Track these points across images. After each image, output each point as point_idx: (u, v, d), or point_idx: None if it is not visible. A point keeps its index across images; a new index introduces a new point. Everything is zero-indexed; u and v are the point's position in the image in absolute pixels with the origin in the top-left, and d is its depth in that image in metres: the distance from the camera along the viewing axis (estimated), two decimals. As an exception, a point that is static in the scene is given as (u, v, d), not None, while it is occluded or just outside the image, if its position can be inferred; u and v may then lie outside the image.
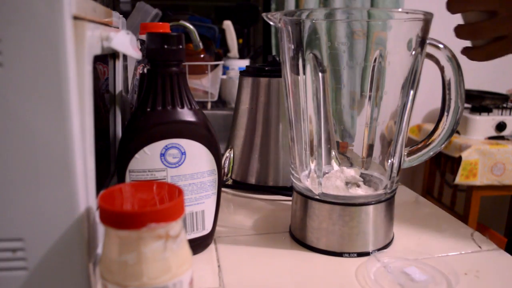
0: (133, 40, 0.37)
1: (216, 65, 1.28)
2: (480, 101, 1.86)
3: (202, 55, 1.31)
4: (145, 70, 0.56)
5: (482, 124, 1.81)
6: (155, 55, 0.40)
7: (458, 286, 0.40)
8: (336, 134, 0.50)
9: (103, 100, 0.46)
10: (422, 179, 2.16)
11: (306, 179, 0.49)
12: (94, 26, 0.32)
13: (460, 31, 0.48)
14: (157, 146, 0.40)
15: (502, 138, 1.78)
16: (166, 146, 0.40)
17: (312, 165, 0.47)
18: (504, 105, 1.83)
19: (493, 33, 0.47)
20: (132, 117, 0.41)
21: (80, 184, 0.29)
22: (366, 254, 0.46)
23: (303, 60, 0.45)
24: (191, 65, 1.20)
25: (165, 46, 0.40)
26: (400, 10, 0.42)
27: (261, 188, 0.65)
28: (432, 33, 0.45)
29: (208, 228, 0.45)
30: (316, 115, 0.45)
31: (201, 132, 0.41)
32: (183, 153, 0.41)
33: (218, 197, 0.45)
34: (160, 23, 0.73)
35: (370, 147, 0.49)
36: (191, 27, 1.12)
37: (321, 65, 0.45)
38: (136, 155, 0.40)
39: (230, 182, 0.67)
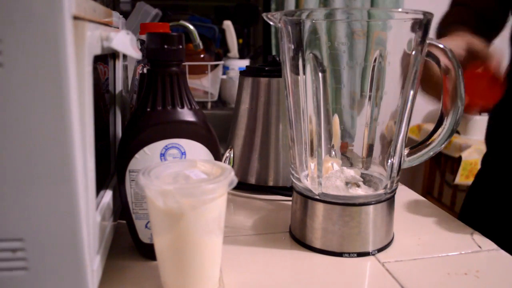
0: (133, 40, 0.37)
1: (216, 65, 1.28)
2: (480, 101, 1.86)
3: (202, 55, 1.31)
4: (145, 70, 0.56)
5: (482, 124, 1.80)
6: (155, 55, 0.40)
7: (458, 286, 0.40)
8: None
9: (103, 100, 0.46)
10: (422, 179, 2.16)
11: (306, 179, 0.49)
12: (94, 26, 0.32)
13: None
14: (157, 146, 0.40)
15: (502, 138, 1.77)
16: (166, 146, 0.40)
17: (312, 165, 0.47)
18: (504, 105, 1.83)
19: None
20: (132, 117, 0.41)
21: (80, 184, 0.29)
22: (366, 254, 0.46)
23: (303, 60, 0.45)
24: (191, 65, 1.20)
25: (165, 46, 0.40)
26: (400, 10, 0.42)
27: (261, 188, 0.65)
28: (432, 33, 0.45)
29: (208, 228, 0.45)
30: (316, 115, 0.45)
31: (201, 132, 0.41)
32: (183, 153, 0.41)
33: (218, 197, 0.45)
34: (160, 23, 0.72)
35: (370, 147, 0.49)
36: (191, 27, 1.12)
37: (321, 65, 0.45)
38: (136, 155, 0.40)
39: (230, 182, 0.67)
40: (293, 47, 0.45)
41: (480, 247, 0.48)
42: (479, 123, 1.80)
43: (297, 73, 0.46)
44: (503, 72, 0.53)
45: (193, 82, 1.24)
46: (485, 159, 0.73)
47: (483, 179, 0.71)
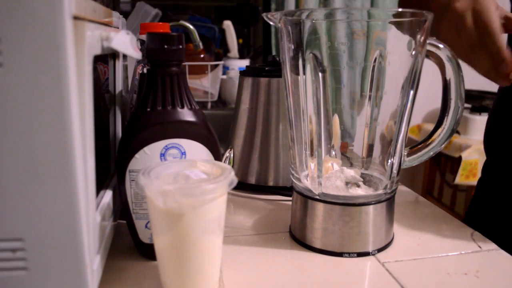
0: (133, 40, 0.37)
1: (216, 65, 1.28)
2: (480, 101, 1.86)
3: (202, 55, 1.31)
4: (145, 70, 0.56)
5: (482, 124, 1.80)
6: (155, 55, 0.40)
7: (458, 286, 0.40)
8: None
9: (103, 100, 0.46)
10: (422, 179, 2.16)
11: (306, 179, 0.49)
12: (94, 26, 0.32)
13: None
14: (157, 146, 0.40)
15: (502, 138, 1.77)
16: (166, 146, 0.40)
17: (312, 165, 0.47)
18: (504, 105, 1.83)
19: None
20: (132, 117, 0.41)
21: (80, 184, 0.29)
22: (366, 254, 0.46)
23: (303, 60, 0.45)
24: (191, 65, 1.20)
25: (165, 46, 0.40)
26: (400, 10, 0.42)
27: (261, 188, 0.65)
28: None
29: (208, 228, 0.45)
30: (316, 115, 0.45)
31: (201, 132, 0.41)
32: (183, 153, 0.41)
33: (218, 197, 0.45)
34: (160, 23, 0.72)
35: (370, 147, 0.49)
36: (191, 27, 1.12)
37: (321, 65, 0.45)
38: (136, 155, 0.40)
39: (230, 182, 0.67)
40: (293, 47, 0.45)
41: (480, 247, 0.48)
42: (479, 123, 1.80)
43: (297, 73, 0.46)
44: None
45: (193, 82, 1.24)
46: (485, 167, 0.70)
47: (484, 188, 0.69)
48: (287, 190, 0.63)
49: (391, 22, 0.43)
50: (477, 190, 0.71)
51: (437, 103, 0.51)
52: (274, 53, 1.82)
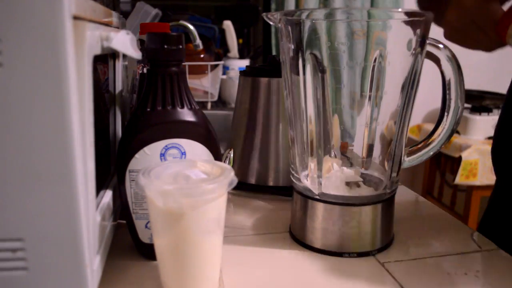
0: (133, 40, 0.37)
1: (216, 65, 1.28)
2: (480, 101, 1.86)
3: (202, 55, 1.31)
4: (145, 70, 0.56)
5: (482, 124, 1.80)
6: (155, 55, 0.40)
7: (458, 286, 0.40)
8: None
9: (103, 100, 0.46)
10: (422, 179, 2.16)
11: (306, 179, 0.49)
12: (94, 26, 0.32)
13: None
14: (157, 146, 0.40)
15: (502, 138, 1.77)
16: (166, 146, 0.40)
17: (312, 165, 0.47)
18: (504, 105, 1.83)
19: None
20: (132, 117, 0.41)
21: (80, 184, 0.29)
22: (366, 254, 0.46)
23: (303, 60, 0.45)
24: (191, 65, 1.20)
25: (165, 46, 0.40)
26: (400, 10, 0.42)
27: (261, 188, 0.65)
28: (432, 33, 0.45)
29: (208, 228, 0.45)
30: (316, 115, 0.45)
31: (201, 132, 0.41)
32: (183, 153, 0.41)
33: (218, 197, 0.45)
34: (160, 23, 0.72)
35: (370, 147, 0.49)
36: (191, 27, 1.12)
37: (321, 65, 0.45)
38: (136, 155, 0.40)
39: (230, 182, 0.67)
40: (293, 47, 0.45)
41: (480, 247, 0.48)
42: (479, 123, 1.80)
43: (297, 73, 0.46)
44: None
45: (193, 82, 1.24)
46: (496, 188, 0.64)
47: (496, 209, 0.63)
48: (287, 190, 0.63)
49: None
50: (487, 211, 0.66)
51: (437, 103, 0.51)
52: (274, 53, 1.83)
